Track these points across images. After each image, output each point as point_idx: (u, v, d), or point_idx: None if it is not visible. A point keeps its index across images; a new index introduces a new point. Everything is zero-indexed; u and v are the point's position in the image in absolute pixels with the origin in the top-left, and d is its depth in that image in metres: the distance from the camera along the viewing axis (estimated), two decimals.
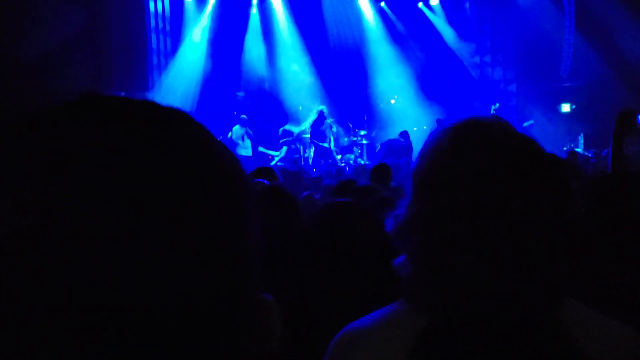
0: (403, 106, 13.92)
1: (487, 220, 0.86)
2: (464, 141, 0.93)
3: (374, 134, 13.74)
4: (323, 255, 2.28)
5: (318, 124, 12.10)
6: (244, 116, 12.43)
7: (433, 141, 0.98)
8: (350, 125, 13.33)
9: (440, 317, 0.89)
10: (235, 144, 12.20)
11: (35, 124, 0.45)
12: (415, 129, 12.59)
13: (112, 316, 0.40)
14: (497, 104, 12.29)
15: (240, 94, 13.91)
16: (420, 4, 14.75)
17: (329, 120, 12.28)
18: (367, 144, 13.16)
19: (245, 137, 12.34)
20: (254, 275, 0.52)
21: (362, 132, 13.14)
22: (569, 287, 0.90)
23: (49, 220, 0.40)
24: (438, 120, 11.22)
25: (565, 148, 10.78)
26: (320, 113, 12.12)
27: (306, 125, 12.37)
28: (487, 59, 14.33)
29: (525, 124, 11.93)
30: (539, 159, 0.90)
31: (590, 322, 0.91)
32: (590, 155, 7.98)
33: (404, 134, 11.84)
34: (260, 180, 4.44)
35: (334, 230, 2.30)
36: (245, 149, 12.23)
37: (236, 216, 0.49)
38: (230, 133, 12.31)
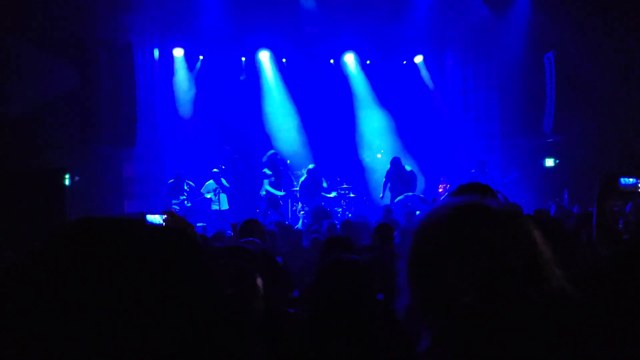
0: (389, 160, 14.06)
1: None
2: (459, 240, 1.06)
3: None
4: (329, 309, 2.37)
5: (306, 182, 12.21)
6: (215, 170, 12.44)
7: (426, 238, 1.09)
8: (338, 179, 13.43)
9: None
10: (208, 199, 12.29)
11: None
12: None
13: None
14: (484, 161, 12.44)
15: (227, 147, 14.06)
16: (404, 62, 15.14)
17: (318, 177, 12.39)
18: (354, 197, 13.24)
19: (219, 190, 12.28)
20: None
21: (348, 186, 13.28)
22: None
23: None
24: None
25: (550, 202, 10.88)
26: (309, 171, 12.25)
27: (298, 183, 12.53)
28: (471, 114, 14.58)
29: (509, 178, 12.07)
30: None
31: None
32: (574, 211, 8.05)
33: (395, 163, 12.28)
34: (252, 239, 4.45)
35: (340, 287, 2.42)
36: (215, 204, 12.18)
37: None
38: (203, 188, 12.40)
